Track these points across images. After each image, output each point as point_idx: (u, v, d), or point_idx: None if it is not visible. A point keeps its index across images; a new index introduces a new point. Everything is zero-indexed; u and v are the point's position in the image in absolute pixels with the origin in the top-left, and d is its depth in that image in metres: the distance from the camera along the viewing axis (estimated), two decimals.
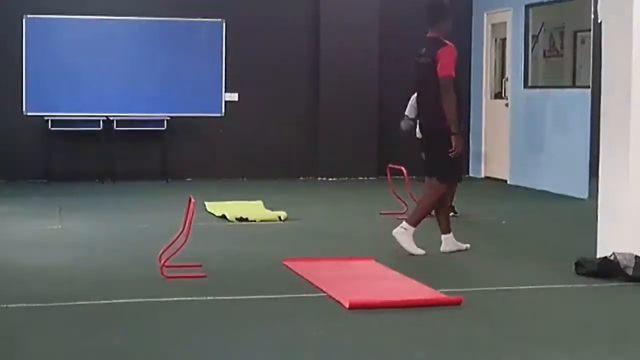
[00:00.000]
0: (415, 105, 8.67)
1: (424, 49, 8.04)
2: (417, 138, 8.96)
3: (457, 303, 6.15)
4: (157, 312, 5.98)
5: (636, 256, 6.94)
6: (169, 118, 13.85)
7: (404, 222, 8.01)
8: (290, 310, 6.08)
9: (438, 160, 8.01)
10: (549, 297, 6.54)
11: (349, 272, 7.30)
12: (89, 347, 5.15)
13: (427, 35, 8.02)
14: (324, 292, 6.46)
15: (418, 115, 8.50)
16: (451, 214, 10.54)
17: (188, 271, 7.04)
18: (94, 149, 13.74)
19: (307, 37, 14.41)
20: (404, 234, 7.93)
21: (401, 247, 7.89)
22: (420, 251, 7.92)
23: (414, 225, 7.94)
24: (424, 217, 8.04)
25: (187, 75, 14.06)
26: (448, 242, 8.09)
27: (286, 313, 5.99)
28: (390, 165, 10.68)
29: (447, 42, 7.95)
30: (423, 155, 8.53)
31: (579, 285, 6.87)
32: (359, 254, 7.92)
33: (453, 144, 7.77)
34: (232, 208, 10.30)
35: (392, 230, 7.97)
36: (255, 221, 9.81)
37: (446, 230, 8.11)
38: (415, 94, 8.56)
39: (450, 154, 7.83)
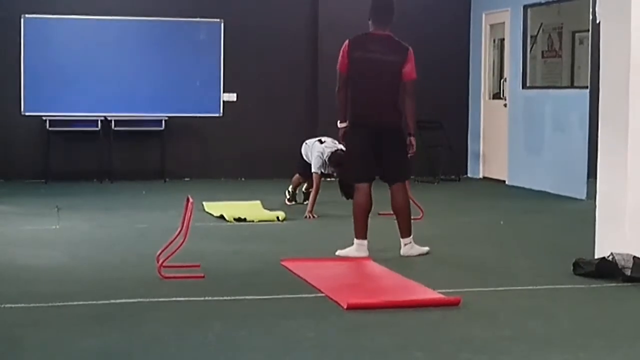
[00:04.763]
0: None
1: (375, 46, 8.07)
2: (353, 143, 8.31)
3: (455, 303, 6.15)
4: (155, 312, 5.97)
5: (634, 256, 6.94)
6: (167, 118, 13.84)
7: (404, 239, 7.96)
8: (289, 310, 6.07)
9: (404, 159, 7.99)
10: (546, 298, 6.54)
11: (347, 272, 7.30)
12: (87, 347, 5.15)
13: (381, 33, 8.10)
14: (322, 292, 6.45)
15: (364, 112, 8.23)
16: (293, 202, 11.10)
17: (186, 271, 7.04)
18: (92, 149, 13.74)
19: (306, 37, 14.40)
20: (411, 247, 7.95)
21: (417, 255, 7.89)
22: (425, 248, 7.98)
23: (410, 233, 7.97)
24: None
25: (185, 75, 14.06)
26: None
27: (284, 313, 5.98)
28: None
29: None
30: (365, 155, 7.95)
31: (577, 285, 6.87)
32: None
33: (413, 144, 7.92)
34: (230, 208, 10.29)
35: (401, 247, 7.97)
36: (253, 221, 9.81)
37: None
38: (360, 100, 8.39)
39: (408, 154, 7.94)
